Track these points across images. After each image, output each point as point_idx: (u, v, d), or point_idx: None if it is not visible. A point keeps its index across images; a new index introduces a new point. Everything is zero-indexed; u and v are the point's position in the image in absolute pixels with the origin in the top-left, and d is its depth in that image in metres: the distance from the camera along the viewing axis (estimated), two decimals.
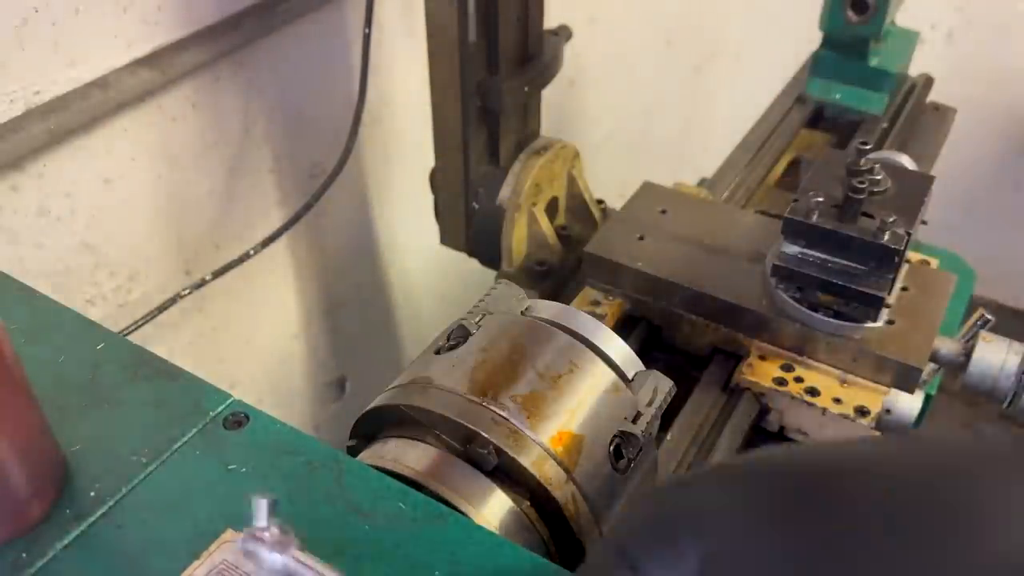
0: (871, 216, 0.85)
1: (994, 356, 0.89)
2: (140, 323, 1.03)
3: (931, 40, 2.13)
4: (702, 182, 1.38)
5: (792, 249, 0.88)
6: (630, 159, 2.10)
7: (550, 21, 1.18)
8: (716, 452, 0.87)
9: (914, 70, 1.48)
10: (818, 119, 1.41)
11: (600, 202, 1.26)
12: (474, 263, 1.23)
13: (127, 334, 1.00)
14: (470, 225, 1.17)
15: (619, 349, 0.68)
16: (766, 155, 1.31)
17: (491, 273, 1.20)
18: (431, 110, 1.10)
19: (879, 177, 0.88)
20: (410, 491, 0.53)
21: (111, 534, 0.49)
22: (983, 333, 0.91)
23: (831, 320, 0.89)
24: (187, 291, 1.08)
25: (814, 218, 0.86)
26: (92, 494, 0.51)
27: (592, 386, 0.63)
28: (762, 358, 0.93)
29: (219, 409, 0.56)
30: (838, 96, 1.38)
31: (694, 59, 2.24)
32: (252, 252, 1.13)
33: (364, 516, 0.50)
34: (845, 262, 0.86)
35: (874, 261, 0.85)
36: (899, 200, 0.88)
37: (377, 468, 0.56)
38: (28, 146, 0.90)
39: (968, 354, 0.90)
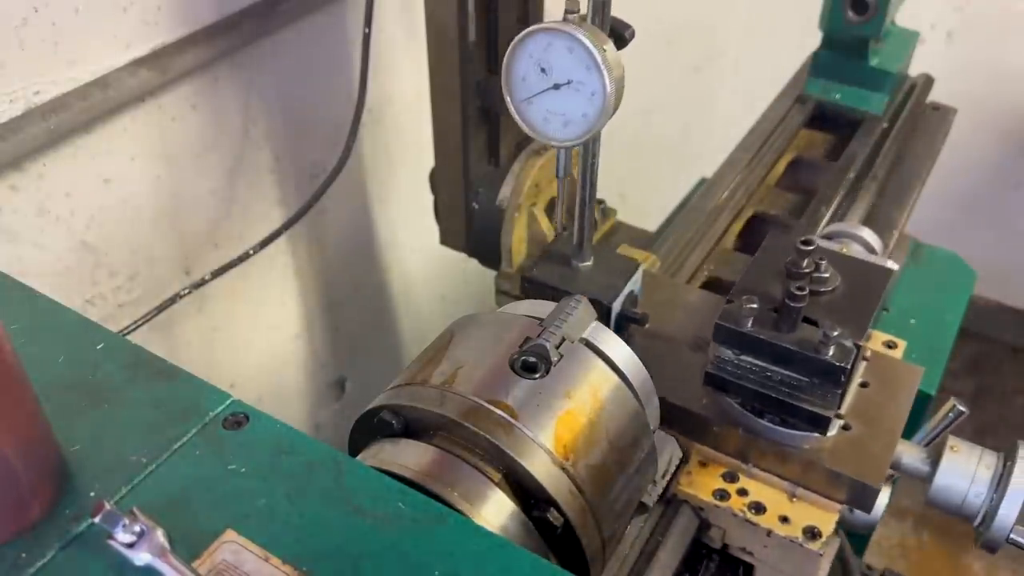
0: (815, 323, 0.73)
1: (963, 468, 0.77)
2: (140, 323, 1.03)
3: (931, 40, 2.13)
4: (702, 182, 1.39)
5: (727, 354, 0.76)
6: (630, 159, 2.10)
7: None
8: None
9: (914, 70, 1.48)
10: (818, 119, 1.41)
11: (600, 202, 1.25)
12: (474, 263, 1.23)
13: (127, 334, 1.00)
14: (470, 225, 1.17)
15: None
16: (766, 155, 1.31)
17: (491, 273, 1.20)
18: (431, 110, 1.10)
19: (826, 275, 0.76)
20: (410, 491, 0.53)
21: None
22: (951, 441, 0.79)
23: (778, 428, 0.78)
24: (187, 291, 1.08)
25: (747, 326, 0.74)
26: (92, 494, 0.51)
27: (641, 462, 0.67)
28: (703, 464, 0.82)
29: (219, 409, 0.56)
30: (838, 96, 1.38)
31: (694, 59, 2.24)
32: (252, 252, 1.13)
33: (364, 516, 0.50)
34: (786, 372, 0.74)
35: (817, 377, 0.73)
36: (849, 301, 0.76)
37: (377, 468, 0.56)
38: (28, 146, 0.89)
39: (934, 464, 0.78)
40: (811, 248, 0.75)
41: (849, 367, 0.71)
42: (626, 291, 0.80)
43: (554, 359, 0.63)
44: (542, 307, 0.72)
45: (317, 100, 1.27)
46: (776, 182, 1.31)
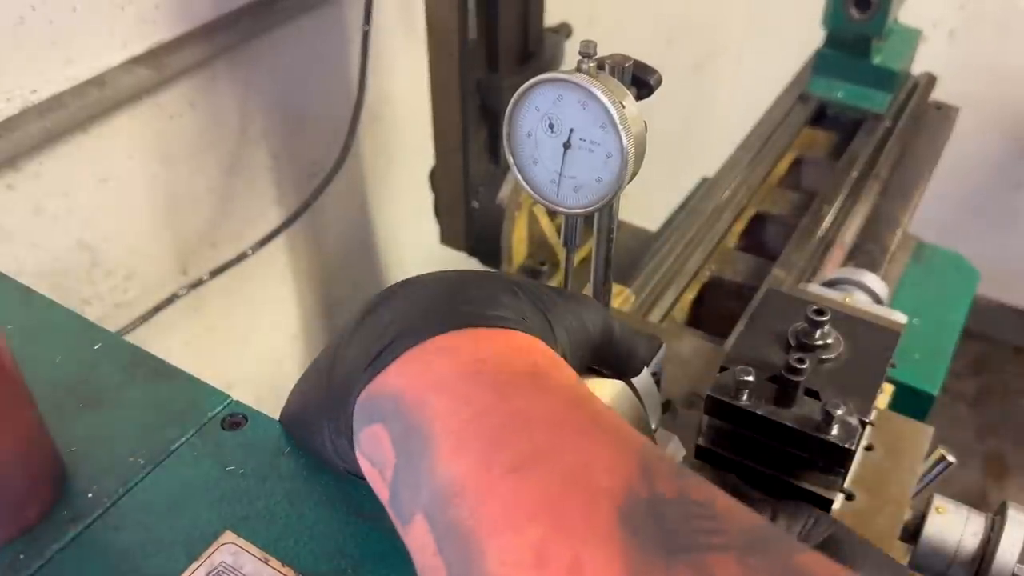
0: (816, 395, 0.66)
1: (949, 534, 0.70)
2: (137, 323, 1.03)
3: (933, 38, 2.13)
4: (703, 181, 1.38)
5: (720, 428, 0.70)
6: None
7: (550, 19, 1.18)
8: None
9: (916, 69, 1.48)
10: (821, 117, 1.40)
11: None
12: (474, 263, 1.22)
13: (124, 334, 1.00)
14: (470, 225, 1.17)
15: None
16: (768, 154, 1.30)
17: None
18: (431, 109, 1.10)
19: (830, 341, 0.69)
20: None
21: (109, 536, 0.48)
22: (937, 501, 0.72)
23: (770, 497, 0.69)
24: (184, 291, 1.08)
25: (743, 399, 0.66)
26: (90, 495, 0.50)
27: None
28: None
29: (217, 410, 0.56)
30: (841, 94, 1.38)
31: (695, 58, 2.24)
32: (250, 251, 1.13)
33: (364, 517, 0.50)
34: (785, 449, 0.67)
35: (820, 457, 0.65)
36: (854, 369, 0.68)
37: None
38: (24, 145, 0.89)
39: (919, 523, 0.71)
40: (825, 319, 0.68)
41: (854, 448, 0.64)
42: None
43: None
44: None
45: (315, 98, 1.26)
46: (778, 181, 1.31)
